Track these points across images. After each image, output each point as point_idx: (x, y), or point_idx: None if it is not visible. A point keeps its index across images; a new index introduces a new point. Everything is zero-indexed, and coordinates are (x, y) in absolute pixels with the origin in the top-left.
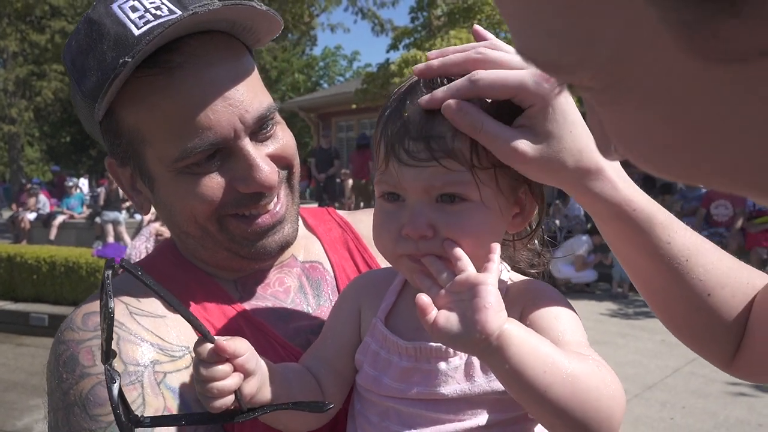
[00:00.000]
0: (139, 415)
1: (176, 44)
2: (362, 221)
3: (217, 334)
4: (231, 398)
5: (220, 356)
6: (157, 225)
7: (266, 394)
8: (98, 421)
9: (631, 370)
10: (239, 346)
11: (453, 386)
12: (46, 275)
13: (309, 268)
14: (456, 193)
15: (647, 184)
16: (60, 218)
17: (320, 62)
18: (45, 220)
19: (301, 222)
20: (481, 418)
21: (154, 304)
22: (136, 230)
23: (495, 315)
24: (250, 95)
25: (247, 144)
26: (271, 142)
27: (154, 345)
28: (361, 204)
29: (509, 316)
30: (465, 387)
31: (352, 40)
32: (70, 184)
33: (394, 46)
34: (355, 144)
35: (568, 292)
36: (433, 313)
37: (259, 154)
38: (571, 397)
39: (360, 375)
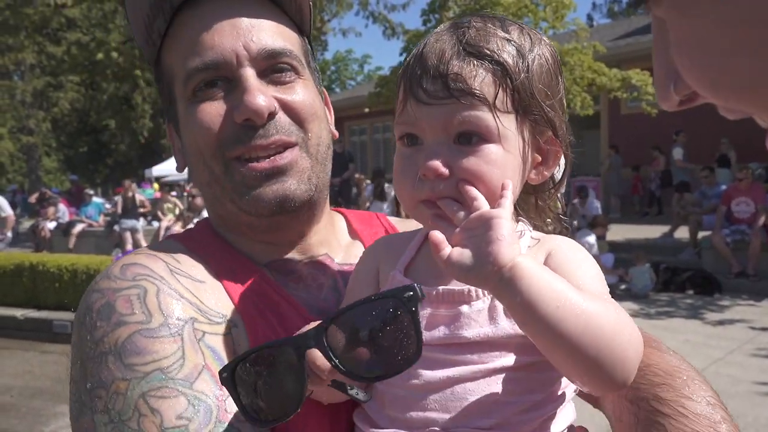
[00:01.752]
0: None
1: None
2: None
3: (255, 306)
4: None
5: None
6: (176, 228)
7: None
8: (134, 371)
9: None
10: None
11: (476, 329)
12: (68, 283)
13: (348, 270)
14: (474, 131)
15: (664, 183)
16: (79, 227)
17: (331, 66)
18: (64, 229)
19: (345, 225)
20: (505, 361)
21: (194, 268)
22: (154, 237)
23: (508, 247)
24: (263, 31)
25: (248, 72)
26: (284, 90)
27: (193, 304)
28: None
29: (534, 262)
30: (488, 330)
31: (363, 43)
32: (91, 192)
33: (406, 49)
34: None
35: None
36: (447, 249)
37: (258, 85)
38: (584, 334)
39: None
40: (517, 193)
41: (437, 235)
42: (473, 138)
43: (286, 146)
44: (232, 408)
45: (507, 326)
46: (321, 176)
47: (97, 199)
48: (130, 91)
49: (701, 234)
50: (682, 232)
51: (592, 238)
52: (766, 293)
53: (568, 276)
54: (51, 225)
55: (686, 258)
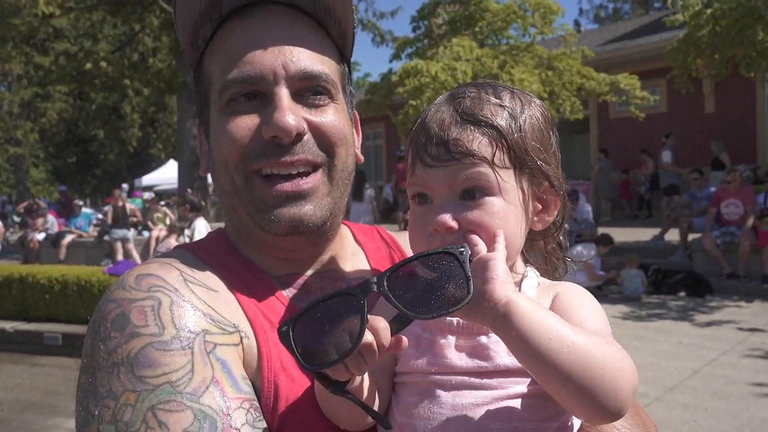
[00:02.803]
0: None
1: (261, 5)
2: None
3: (266, 317)
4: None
5: (382, 348)
6: (172, 241)
7: (362, 387)
8: (145, 383)
9: (650, 373)
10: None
11: (497, 360)
12: (58, 294)
13: (354, 283)
14: (476, 187)
15: (653, 186)
16: (68, 238)
17: None
18: (54, 240)
19: (351, 236)
20: (524, 388)
21: (208, 277)
22: (144, 247)
23: (503, 285)
24: (303, 53)
25: (282, 91)
26: (315, 112)
27: (206, 315)
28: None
29: (539, 302)
30: (507, 361)
31: None
32: (80, 203)
33: (396, 56)
34: (396, 156)
35: None
36: None
37: (290, 105)
38: (575, 365)
39: (400, 362)
40: (522, 239)
41: None
42: (476, 193)
43: (310, 166)
44: (237, 423)
45: None
46: (338, 201)
47: (86, 210)
48: (118, 100)
49: (692, 236)
50: (673, 235)
51: (594, 251)
52: (756, 294)
53: (570, 315)
54: (40, 236)
55: (677, 260)
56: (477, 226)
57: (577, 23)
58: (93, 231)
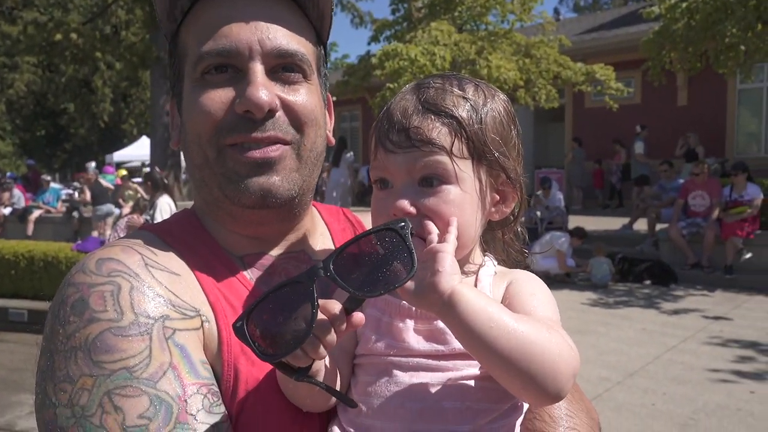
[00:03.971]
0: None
1: None
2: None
3: (226, 299)
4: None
5: (341, 328)
6: (134, 217)
7: (322, 371)
8: (102, 368)
9: (614, 358)
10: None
11: (452, 343)
12: (24, 270)
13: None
14: (434, 175)
15: (624, 176)
16: (36, 213)
17: None
18: (20, 215)
19: (318, 216)
20: (476, 370)
21: (170, 260)
22: (113, 225)
23: (447, 277)
24: (280, 31)
25: (257, 66)
26: (288, 90)
27: (167, 300)
28: None
29: (494, 292)
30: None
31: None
32: (48, 178)
33: (375, 38)
34: None
35: (549, 282)
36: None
37: (264, 80)
38: (515, 350)
39: (360, 345)
40: (478, 227)
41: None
42: (434, 180)
43: (279, 143)
44: (193, 409)
45: None
46: (307, 179)
47: (54, 185)
48: (89, 74)
49: (659, 226)
50: (641, 224)
51: (564, 238)
52: (719, 284)
53: (521, 302)
54: (6, 210)
55: (644, 249)
56: (433, 212)
57: (556, 11)
58: (61, 207)
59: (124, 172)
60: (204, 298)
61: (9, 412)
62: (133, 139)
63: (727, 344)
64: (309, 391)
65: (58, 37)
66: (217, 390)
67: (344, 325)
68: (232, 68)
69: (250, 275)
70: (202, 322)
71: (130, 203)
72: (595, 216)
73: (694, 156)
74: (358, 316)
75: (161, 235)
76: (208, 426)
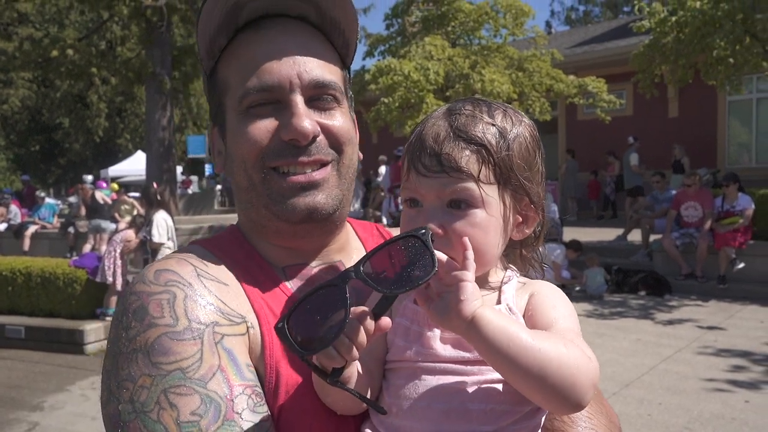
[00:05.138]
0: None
1: (273, 19)
2: None
3: (269, 308)
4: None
5: (369, 332)
6: (129, 232)
7: (353, 376)
8: (159, 369)
9: (609, 369)
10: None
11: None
12: (21, 286)
13: None
14: (462, 199)
15: (618, 187)
16: (32, 228)
17: None
18: (16, 231)
19: (353, 232)
20: (499, 375)
21: (220, 271)
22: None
23: (469, 304)
24: (314, 64)
25: (298, 98)
26: (326, 116)
27: (216, 307)
28: None
29: (518, 303)
30: None
31: None
32: (43, 194)
33: (369, 53)
34: (394, 155)
35: None
36: (429, 302)
37: (305, 110)
38: (534, 366)
39: (391, 352)
40: (500, 247)
41: (422, 294)
42: (462, 204)
43: (323, 165)
44: (239, 408)
45: None
46: (346, 193)
47: (50, 200)
48: (84, 89)
49: (653, 237)
50: (635, 235)
51: (559, 250)
52: (712, 294)
53: (543, 314)
54: (2, 226)
55: (638, 260)
56: (459, 234)
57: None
58: (57, 222)
59: (116, 187)
60: (249, 306)
61: (8, 429)
62: (128, 153)
63: (721, 354)
64: (342, 396)
65: (55, 53)
66: (261, 391)
67: (373, 328)
68: (274, 101)
69: (291, 285)
70: (247, 328)
71: (127, 218)
72: (589, 227)
73: (680, 167)
74: (386, 320)
75: (211, 249)
76: (252, 424)
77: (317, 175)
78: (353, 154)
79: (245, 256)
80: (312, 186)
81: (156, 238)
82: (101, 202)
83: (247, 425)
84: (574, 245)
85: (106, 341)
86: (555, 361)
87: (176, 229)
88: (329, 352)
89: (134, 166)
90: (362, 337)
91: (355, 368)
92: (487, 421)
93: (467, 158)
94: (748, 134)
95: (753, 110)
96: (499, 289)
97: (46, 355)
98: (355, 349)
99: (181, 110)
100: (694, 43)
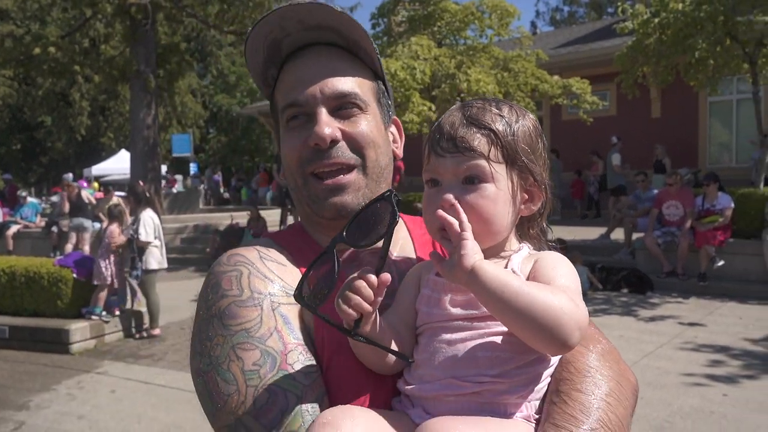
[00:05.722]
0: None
1: (310, 47)
2: None
3: None
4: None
5: (372, 285)
6: (113, 228)
7: (374, 331)
8: (228, 329)
9: None
10: (385, 282)
11: (483, 308)
12: (5, 286)
13: (400, 261)
14: (475, 175)
15: (602, 187)
16: (14, 228)
17: None
18: None
19: (404, 227)
20: (504, 327)
21: (279, 256)
22: (96, 239)
23: (469, 257)
24: (337, 78)
25: (321, 110)
26: (347, 123)
27: (275, 282)
28: None
29: (523, 269)
30: None
31: None
32: (24, 194)
33: None
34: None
35: None
36: (440, 261)
37: (327, 119)
38: (524, 308)
39: (418, 318)
40: (510, 219)
41: (435, 255)
42: (475, 180)
43: (347, 167)
44: (291, 360)
45: None
46: (374, 191)
47: (32, 200)
48: (67, 87)
49: (635, 235)
50: (618, 234)
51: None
52: (693, 291)
53: (543, 273)
54: None
55: (621, 258)
56: (471, 204)
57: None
58: (40, 221)
59: (96, 186)
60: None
61: None
62: (111, 152)
63: (700, 349)
64: (370, 350)
65: (37, 51)
66: (309, 349)
67: (375, 281)
68: (304, 115)
69: (343, 265)
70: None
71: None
72: (573, 226)
73: (662, 167)
74: (386, 275)
75: (275, 239)
76: (301, 373)
77: (344, 179)
78: (378, 156)
79: (303, 243)
80: (340, 189)
81: (143, 237)
82: (86, 200)
83: (297, 374)
84: (558, 243)
85: (91, 341)
86: (541, 304)
87: (162, 228)
88: (339, 306)
89: (118, 164)
90: (367, 290)
91: (376, 325)
92: (492, 366)
93: (479, 140)
94: (729, 135)
95: (733, 111)
96: (509, 258)
97: (31, 355)
98: (364, 302)
99: (165, 108)
100: (676, 44)
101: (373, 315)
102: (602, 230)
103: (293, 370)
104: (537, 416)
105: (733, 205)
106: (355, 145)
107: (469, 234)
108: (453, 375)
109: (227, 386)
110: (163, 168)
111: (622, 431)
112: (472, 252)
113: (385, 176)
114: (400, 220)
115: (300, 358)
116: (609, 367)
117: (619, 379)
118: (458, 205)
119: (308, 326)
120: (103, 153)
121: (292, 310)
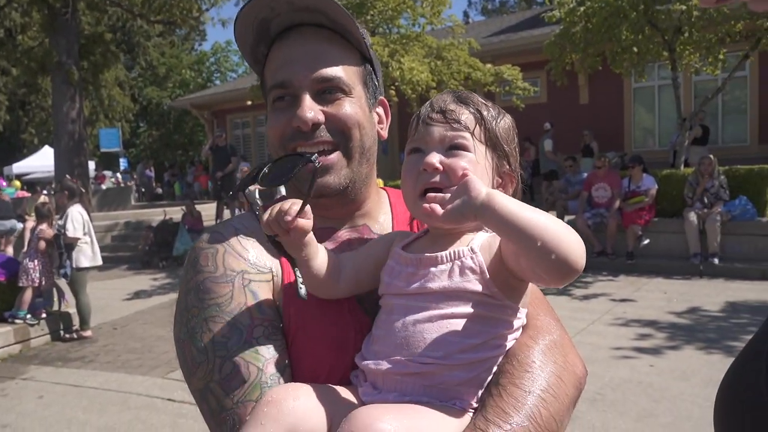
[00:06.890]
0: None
1: (298, 28)
2: None
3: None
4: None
5: (290, 212)
6: (43, 228)
7: (309, 251)
8: (203, 302)
9: None
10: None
11: (438, 283)
12: None
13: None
14: (459, 145)
15: (534, 171)
16: None
17: (211, 58)
18: None
19: (385, 199)
20: (454, 310)
21: (256, 233)
22: (18, 239)
23: (480, 186)
24: (321, 61)
25: (306, 93)
26: (331, 106)
27: (247, 260)
28: None
29: (492, 246)
30: (446, 283)
31: None
32: None
33: None
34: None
35: None
36: (438, 209)
37: (310, 103)
38: (536, 230)
39: (381, 287)
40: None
41: (430, 205)
42: (459, 148)
43: (330, 146)
44: (256, 334)
45: (459, 282)
46: (356, 170)
47: None
48: None
49: (567, 218)
50: None
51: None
52: (622, 269)
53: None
54: None
55: None
56: (454, 167)
57: (466, 15)
58: None
59: (18, 184)
60: (277, 260)
61: None
62: (33, 149)
63: (629, 324)
64: (310, 279)
65: None
66: (278, 325)
67: (293, 212)
68: (289, 96)
69: (319, 242)
70: (272, 276)
71: (36, 217)
72: None
73: (590, 151)
74: (307, 218)
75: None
76: (265, 347)
77: (326, 159)
78: (362, 137)
79: None
80: (323, 169)
81: (70, 233)
82: (5, 202)
83: (261, 347)
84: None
85: (15, 345)
86: (552, 227)
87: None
88: (266, 221)
89: (41, 162)
90: (287, 218)
91: (313, 251)
92: (437, 348)
93: (467, 116)
94: (652, 119)
95: (655, 97)
96: (473, 238)
97: None
98: (282, 223)
99: (91, 102)
100: (602, 32)
101: (311, 245)
102: None
103: (257, 344)
104: (476, 405)
105: (656, 186)
106: (338, 126)
107: (473, 176)
108: (400, 353)
109: (199, 355)
110: (91, 164)
111: (553, 427)
112: (480, 185)
113: (367, 157)
114: (384, 194)
115: (264, 332)
116: (554, 361)
117: (562, 373)
118: (458, 164)
119: (278, 303)
120: (25, 150)
121: (262, 287)
